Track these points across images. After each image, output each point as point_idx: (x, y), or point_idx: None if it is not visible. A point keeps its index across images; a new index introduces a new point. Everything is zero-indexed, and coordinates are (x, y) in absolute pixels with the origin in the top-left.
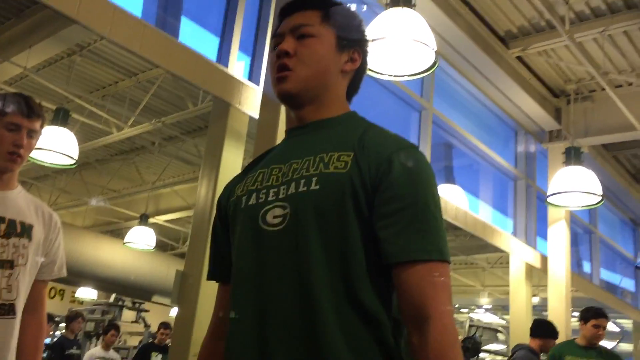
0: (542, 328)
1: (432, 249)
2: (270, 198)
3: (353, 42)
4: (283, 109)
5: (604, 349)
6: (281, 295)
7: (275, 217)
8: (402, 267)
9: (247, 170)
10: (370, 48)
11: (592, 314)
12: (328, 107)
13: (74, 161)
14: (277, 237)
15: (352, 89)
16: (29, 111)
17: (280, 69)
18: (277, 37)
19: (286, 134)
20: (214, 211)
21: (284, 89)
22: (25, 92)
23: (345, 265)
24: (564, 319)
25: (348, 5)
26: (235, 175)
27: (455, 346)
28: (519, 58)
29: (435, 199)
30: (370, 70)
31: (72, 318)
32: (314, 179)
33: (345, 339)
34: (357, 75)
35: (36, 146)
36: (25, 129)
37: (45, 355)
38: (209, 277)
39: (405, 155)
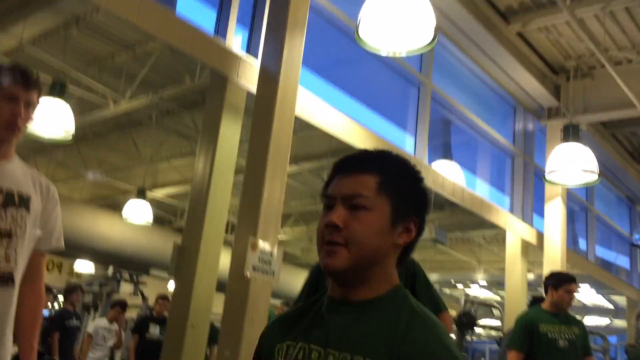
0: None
1: None
2: None
3: (410, 211)
4: (281, 83)
5: (569, 314)
6: None
7: None
8: None
9: (288, 322)
10: (428, 211)
11: (565, 279)
12: (374, 286)
13: (71, 135)
14: None
15: (403, 257)
16: (26, 82)
17: (328, 242)
18: (327, 198)
19: (328, 302)
20: (212, 185)
21: (330, 265)
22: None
23: None
24: None
25: (408, 164)
26: (233, 151)
27: None
28: (520, 34)
29: None
30: (370, 45)
31: (70, 290)
32: None
33: None
34: (413, 244)
35: (33, 119)
36: (23, 99)
37: (44, 326)
38: None
39: None
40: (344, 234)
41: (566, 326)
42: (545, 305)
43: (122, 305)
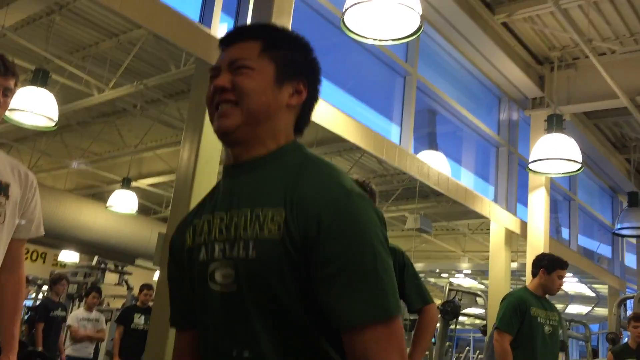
0: None
1: (375, 311)
2: (216, 255)
3: (297, 74)
4: None
5: (549, 300)
6: (226, 355)
7: (223, 276)
8: (347, 333)
9: (196, 210)
10: (321, 78)
11: (559, 264)
12: (267, 144)
13: (54, 123)
14: (223, 299)
15: (302, 122)
16: (4, 69)
17: (217, 106)
18: (214, 70)
19: (223, 171)
20: (197, 175)
21: (224, 125)
22: (4, 52)
23: (285, 331)
24: None
25: (295, 34)
26: (218, 141)
27: None
28: (505, 24)
29: (374, 250)
30: (355, 34)
31: (56, 280)
32: (251, 245)
33: None
34: (306, 107)
35: (16, 107)
36: (1, 87)
37: (29, 316)
38: (171, 324)
39: (334, 209)
40: (231, 95)
41: (550, 312)
42: (532, 287)
43: (98, 290)
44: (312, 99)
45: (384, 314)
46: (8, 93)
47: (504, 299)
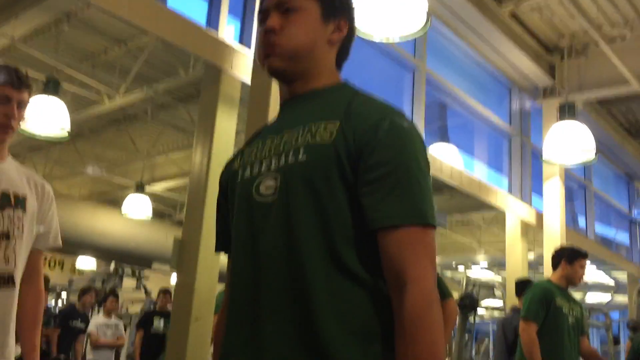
0: (525, 286)
1: (413, 213)
2: (263, 170)
3: (338, 11)
4: None
5: (570, 292)
6: (274, 262)
7: (267, 187)
8: (384, 233)
9: (245, 144)
10: (357, 15)
11: (580, 254)
12: (318, 78)
13: (66, 133)
14: (270, 207)
15: (342, 57)
16: (17, 82)
17: (268, 45)
18: (262, 13)
19: (280, 106)
20: (210, 177)
21: (273, 65)
22: (14, 63)
23: (332, 232)
24: None
25: None
26: (230, 143)
27: (431, 309)
28: (513, 15)
29: (419, 165)
30: (362, 31)
31: (85, 291)
32: (302, 150)
33: (332, 303)
34: (346, 43)
35: (28, 117)
36: (15, 100)
37: (50, 322)
38: (218, 249)
39: (389, 122)
40: (281, 36)
41: (573, 304)
42: (555, 279)
43: (115, 295)
44: (350, 35)
45: (421, 218)
46: (22, 106)
47: (528, 289)
